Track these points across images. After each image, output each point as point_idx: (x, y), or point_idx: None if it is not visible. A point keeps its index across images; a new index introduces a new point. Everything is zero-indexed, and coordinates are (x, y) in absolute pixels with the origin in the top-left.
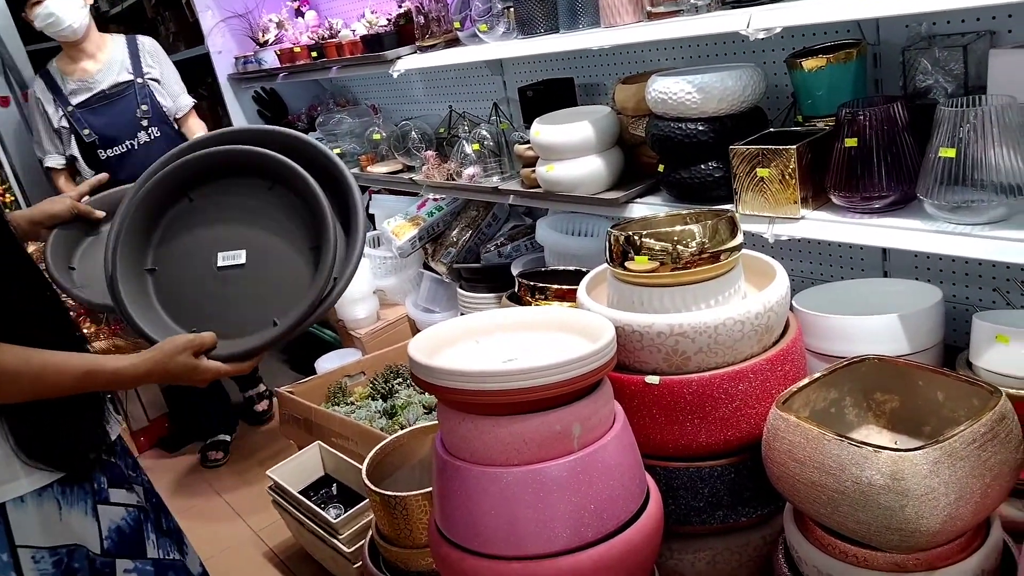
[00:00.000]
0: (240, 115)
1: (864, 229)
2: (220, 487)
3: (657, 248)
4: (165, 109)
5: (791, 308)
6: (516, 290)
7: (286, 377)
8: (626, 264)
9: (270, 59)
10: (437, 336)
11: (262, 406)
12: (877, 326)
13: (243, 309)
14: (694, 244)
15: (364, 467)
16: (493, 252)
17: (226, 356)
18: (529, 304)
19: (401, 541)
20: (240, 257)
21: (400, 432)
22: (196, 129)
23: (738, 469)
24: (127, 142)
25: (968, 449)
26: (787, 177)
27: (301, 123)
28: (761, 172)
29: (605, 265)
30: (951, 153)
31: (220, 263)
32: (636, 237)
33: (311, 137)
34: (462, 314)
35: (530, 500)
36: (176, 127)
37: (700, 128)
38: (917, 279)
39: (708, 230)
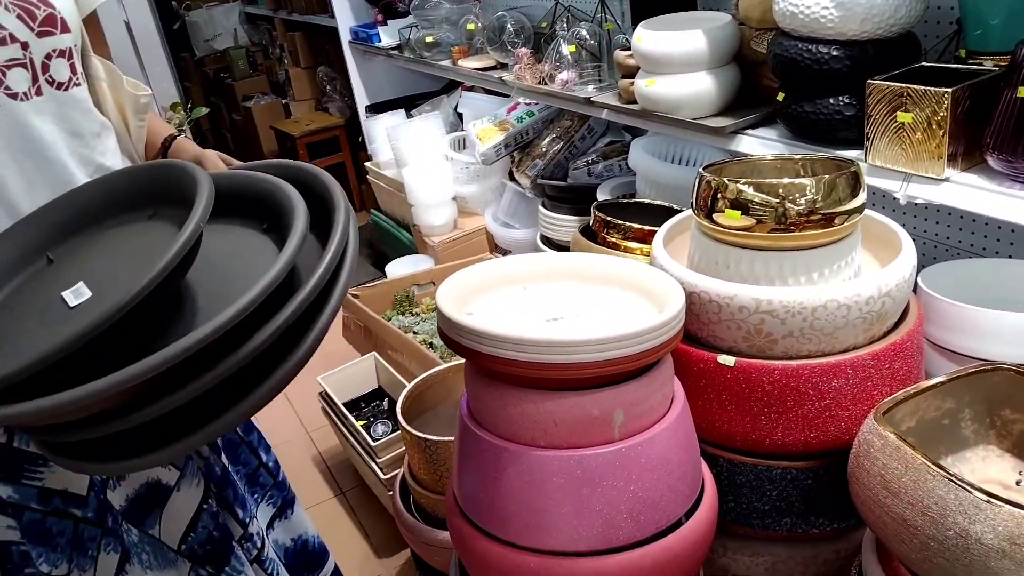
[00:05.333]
0: None
1: (1022, 204)
2: None
3: (756, 201)
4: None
5: (914, 289)
6: (591, 223)
7: (365, 273)
8: (714, 216)
9: None
10: (476, 278)
11: None
12: (1021, 324)
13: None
14: (803, 202)
15: (400, 400)
16: (583, 169)
17: None
18: (604, 241)
19: (430, 485)
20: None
21: (440, 367)
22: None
23: (816, 475)
24: None
25: None
26: (935, 126)
27: (402, 3)
28: (902, 117)
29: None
30: None
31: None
32: (732, 185)
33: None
34: (542, 235)
35: (553, 489)
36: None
37: (834, 53)
38: None
39: (823, 186)
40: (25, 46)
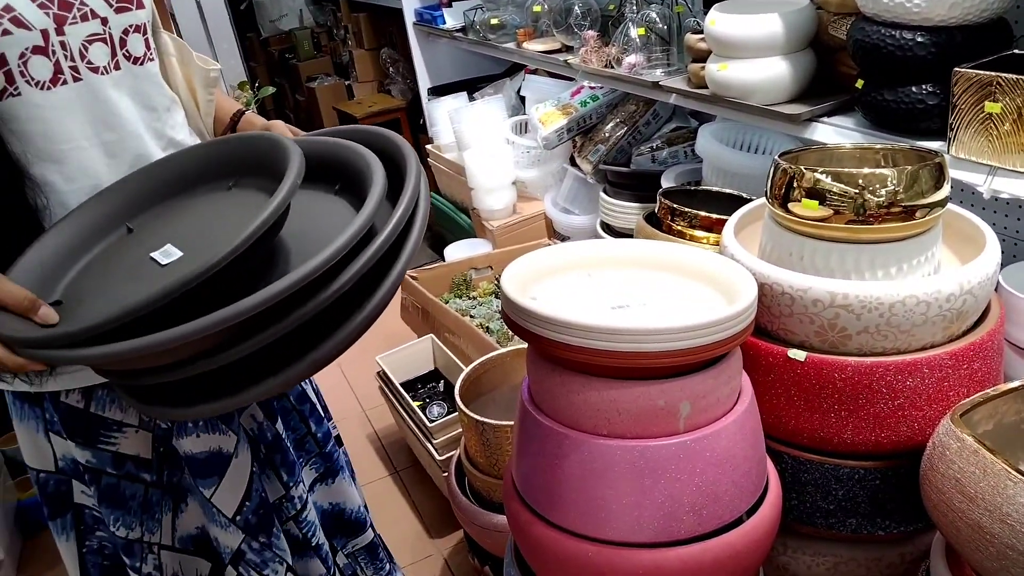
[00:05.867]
0: None
1: None
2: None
3: (834, 191)
4: None
5: (996, 288)
6: (656, 210)
7: (423, 255)
8: (789, 205)
9: None
10: (540, 263)
11: None
12: None
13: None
14: (883, 193)
15: (458, 384)
16: (646, 155)
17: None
18: (669, 229)
19: (486, 469)
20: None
21: (499, 351)
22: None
23: (885, 476)
24: None
25: None
26: None
27: None
28: (990, 107)
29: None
30: None
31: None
32: (809, 173)
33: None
34: (602, 222)
35: (614, 478)
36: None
37: (919, 39)
38: None
39: (906, 177)
40: (104, 22)
